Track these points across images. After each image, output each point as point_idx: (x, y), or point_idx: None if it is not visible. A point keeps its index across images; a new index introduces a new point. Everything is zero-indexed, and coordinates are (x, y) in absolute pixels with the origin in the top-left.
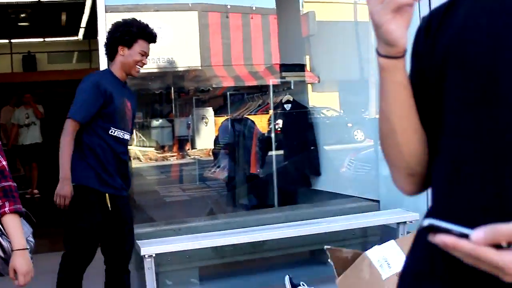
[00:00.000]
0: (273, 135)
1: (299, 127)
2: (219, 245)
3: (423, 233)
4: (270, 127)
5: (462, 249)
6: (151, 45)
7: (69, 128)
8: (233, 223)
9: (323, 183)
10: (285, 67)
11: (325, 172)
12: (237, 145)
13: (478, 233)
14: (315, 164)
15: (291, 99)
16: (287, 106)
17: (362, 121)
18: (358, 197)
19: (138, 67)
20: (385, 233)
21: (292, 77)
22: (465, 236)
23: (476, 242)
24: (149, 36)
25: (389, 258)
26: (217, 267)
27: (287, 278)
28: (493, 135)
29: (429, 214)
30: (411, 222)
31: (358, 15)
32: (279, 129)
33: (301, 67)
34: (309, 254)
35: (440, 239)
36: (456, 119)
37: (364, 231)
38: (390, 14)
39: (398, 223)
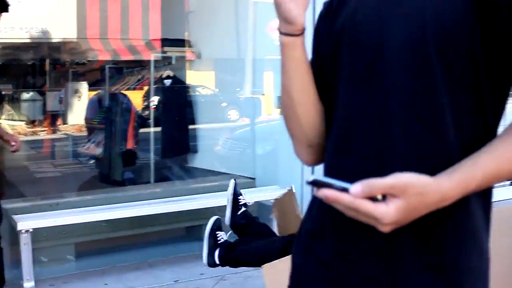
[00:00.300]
0: (151, 111)
1: (178, 104)
2: (98, 220)
3: (315, 199)
4: (145, 103)
5: (343, 201)
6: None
7: None
8: (111, 198)
9: (199, 161)
10: (167, 42)
11: (201, 150)
12: (112, 121)
13: (356, 187)
14: (192, 141)
15: (172, 75)
16: (167, 82)
17: (236, 100)
18: (234, 174)
19: None
20: (261, 210)
21: (174, 52)
22: (346, 190)
23: (354, 195)
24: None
25: None
26: (93, 243)
27: (232, 182)
28: (378, 103)
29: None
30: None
31: None
32: (154, 106)
33: (182, 43)
34: (186, 230)
35: (322, 193)
36: (346, 93)
37: None
38: None
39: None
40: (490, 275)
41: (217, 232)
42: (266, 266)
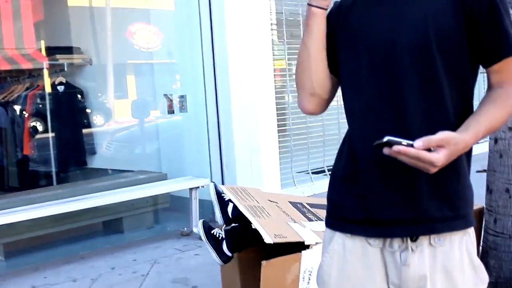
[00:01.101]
0: (48, 116)
1: (72, 109)
2: (22, 220)
3: (346, 145)
4: (32, 109)
5: (410, 154)
6: None
7: None
8: (34, 199)
9: (100, 161)
10: (57, 50)
11: (100, 151)
12: (4, 129)
13: (419, 142)
14: (89, 143)
15: (64, 81)
16: (60, 88)
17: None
18: (144, 170)
19: None
20: (176, 202)
21: (65, 59)
22: (401, 145)
23: (417, 148)
24: None
25: (313, 272)
26: (21, 242)
27: (211, 185)
28: (393, 85)
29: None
30: (203, 187)
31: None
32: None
33: (74, 50)
34: (104, 224)
35: (397, 148)
36: (368, 75)
37: (156, 200)
38: None
39: (191, 189)
40: None
41: (212, 232)
42: (265, 263)
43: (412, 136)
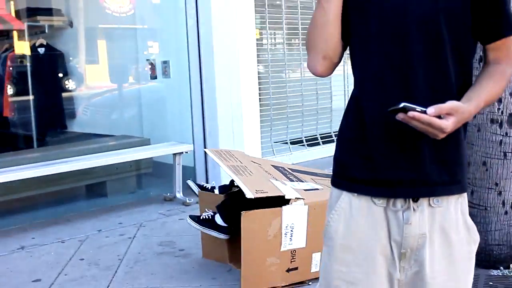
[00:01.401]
0: (29, 79)
1: (53, 71)
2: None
3: (353, 108)
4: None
5: (423, 119)
6: None
7: None
8: (19, 160)
9: (81, 125)
10: (38, 11)
11: (80, 115)
12: None
13: (431, 109)
14: (70, 107)
15: (45, 43)
16: (41, 50)
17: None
18: (129, 135)
19: None
20: (159, 167)
21: (46, 21)
22: (403, 111)
23: (430, 114)
24: None
25: (295, 228)
26: (5, 203)
27: (191, 183)
28: (403, 55)
29: (363, 97)
30: (186, 152)
31: None
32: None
33: (55, 12)
34: (88, 188)
35: (412, 114)
36: (379, 44)
37: (138, 164)
38: None
39: (175, 154)
40: None
41: (201, 217)
42: (245, 213)
43: (417, 102)
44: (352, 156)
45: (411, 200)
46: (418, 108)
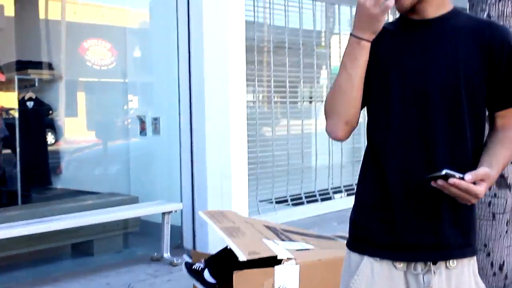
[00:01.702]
0: (17, 134)
1: (40, 125)
2: None
3: (372, 172)
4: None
5: (461, 186)
6: None
7: None
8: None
9: (68, 182)
10: (29, 65)
11: (67, 171)
12: None
13: (469, 176)
14: (56, 162)
15: (34, 97)
16: (30, 104)
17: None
18: (116, 193)
19: None
20: (145, 227)
21: (36, 74)
22: (444, 178)
23: (468, 181)
24: None
25: None
26: None
27: (183, 264)
28: (425, 120)
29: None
30: (176, 211)
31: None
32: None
33: (45, 65)
34: (74, 247)
35: (452, 181)
36: (401, 108)
37: (126, 223)
38: (381, 11)
39: (164, 213)
40: None
41: (193, 267)
42: (237, 273)
43: (437, 167)
44: (372, 220)
45: (431, 263)
46: (457, 175)
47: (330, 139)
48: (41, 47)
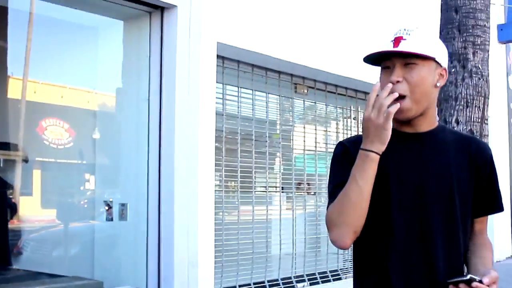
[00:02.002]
0: None
1: (1, 205)
2: None
3: (372, 282)
4: None
5: None
6: None
7: None
8: None
9: (28, 263)
10: None
11: (26, 251)
12: None
13: (486, 279)
14: (16, 242)
15: None
16: None
17: None
18: (81, 277)
19: None
20: None
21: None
22: (467, 282)
23: (486, 284)
24: None
25: None
26: None
27: None
28: (425, 228)
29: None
30: None
31: None
32: None
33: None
34: None
35: (475, 285)
36: (402, 217)
37: None
38: (385, 119)
39: None
40: None
41: None
42: None
43: (438, 273)
44: None
45: None
46: (477, 278)
47: (294, 228)
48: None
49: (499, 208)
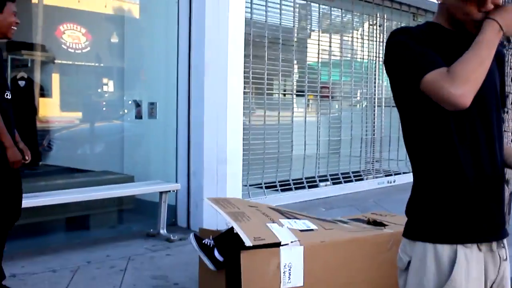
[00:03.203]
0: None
1: (33, 104)
2: None
3: (444, 175)
4: None
5: None
6: None
7: None
8: None
9: (57, 159)
10: (22, 45)
11: (57, 149)
12: None
13: None
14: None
15: (26, 76)
16: (21, 83)
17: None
18: (114, 172)
19: (14, 28)
20: (139, 204)
21: (29, 55)
22: None
23: None
24: None
25: (293, 267)
26: None
27: (191, 236)
28: (484, 124)
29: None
30: (174, 191)
31: None
32: None
33: (40, 47)
34: (71, 220)
35: None
36: (465, 112)
37: (121, 200)
38: None
39: (161, 192)
40: None
41: (203, 241)
42: (244, 252)
43: (497, 158)
44: (460, 212)
45: (504, 240)
46: None
47: (318, 130)
48: (32, 29)
49: (504, 105)
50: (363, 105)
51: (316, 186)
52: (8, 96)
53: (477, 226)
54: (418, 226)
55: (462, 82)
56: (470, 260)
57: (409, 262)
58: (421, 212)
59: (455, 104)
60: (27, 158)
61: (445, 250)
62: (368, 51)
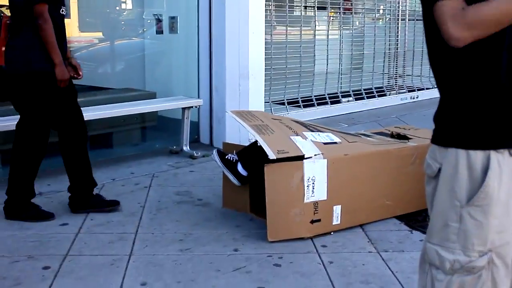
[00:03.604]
0: None
1: None
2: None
3: (481, 83)
4: None
5: None
6: None
7: (46, 13)
8: None
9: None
10: None
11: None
12: None
13: None
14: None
15: None
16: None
17: None
18: (135, 89)
19: None
20: (161, 121)
21: None
22: None
23: None
24: None
25: (316, 181)
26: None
27: (214, 152)
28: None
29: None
30: (196, 107)
31: None
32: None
33: None
34: (93, 138)
35: None
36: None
37: (144, 117)
38: None
39: (184, 108)
40: None
41: (226, 157)
42: (268, 166)
43: None
44: (491, 117)
45: None
46: None
47: (341, 45)
48: None
49: None
50: (386, 19)
51: (339, 102)
52: (63, 12)
53: (510, 132)
54: (450, 132)
55: (465, 28)
56: (503, 165)
57: (439, 169)
58: (453, 118)
59: (448, 42)
60: (80, 73)
61: (478, 156)
62: None
